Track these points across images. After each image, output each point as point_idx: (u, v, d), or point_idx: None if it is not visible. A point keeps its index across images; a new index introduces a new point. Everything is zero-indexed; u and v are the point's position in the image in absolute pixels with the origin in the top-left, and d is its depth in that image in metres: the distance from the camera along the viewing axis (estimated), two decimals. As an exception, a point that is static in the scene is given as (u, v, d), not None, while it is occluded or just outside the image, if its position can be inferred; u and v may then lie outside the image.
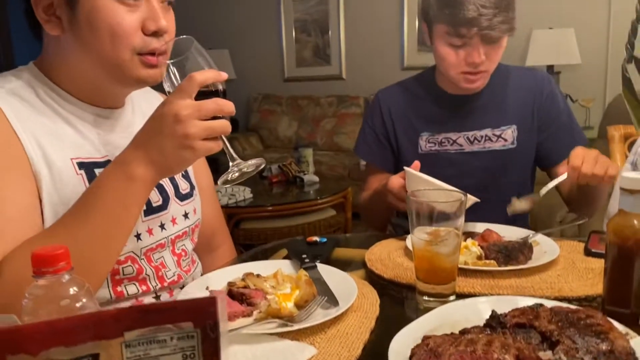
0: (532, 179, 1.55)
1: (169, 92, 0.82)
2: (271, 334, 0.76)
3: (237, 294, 0.86)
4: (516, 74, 1.50)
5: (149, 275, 0.96)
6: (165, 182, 1.02)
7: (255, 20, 5.19)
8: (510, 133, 1.44)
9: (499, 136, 1.44)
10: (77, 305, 0.51)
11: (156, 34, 0.85)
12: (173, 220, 1.02)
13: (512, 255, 1.01)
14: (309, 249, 1.11)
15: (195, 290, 0.91)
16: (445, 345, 0.65)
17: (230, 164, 0.85)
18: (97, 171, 0.90)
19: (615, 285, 0.79)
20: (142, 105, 1.06)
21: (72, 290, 0.51)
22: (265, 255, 1.10)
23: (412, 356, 0.67)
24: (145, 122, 0.80)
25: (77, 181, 0.87)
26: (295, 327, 0.77)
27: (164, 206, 1.00)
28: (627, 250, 0.76)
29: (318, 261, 1.00)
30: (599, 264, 0.97)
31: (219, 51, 4.91)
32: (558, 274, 0.98)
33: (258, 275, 0.92)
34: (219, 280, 0.94)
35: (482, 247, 1.05)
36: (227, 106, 0.79)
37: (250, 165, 0.85)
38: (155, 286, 0.97)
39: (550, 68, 4.08)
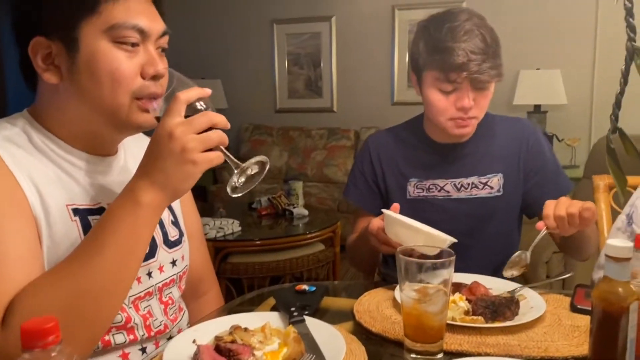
0: (519, 226, 1.57)
1: None
2: (258, 395, 0.76)
3: (225, 350, 0.84)
4: (502, 123, 1.52)
5: (137, 324, 0.94)
6: (155, 230, 1.01)
7: (249, 51, 5.24)
8: (496, 181, 1.45)
9: (485, 184, 1.45)
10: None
11: (154, 78, 0.87)
12: (160, 268, 1.01)
13: (499, 311, 1.00)
14: (298, 298, 1.10)
15: (182, 343, 0.90)
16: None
17: (235, 172, 0.84)
18: (91, 218, 0.90)
19: (601, 350, 0.79)
20: (133, 150, 1.06)
21: (60, 362, 0.50)
22: (252, 304, 1.09)
23: None
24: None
25: (72, 227, 0.87)
26: (282, 388, 0.76)
27: (151, 254, 0.99)
28: (611, 315, 0.76)
29: (307, 312, 0.99)
30: (584, 320, 0.97)
31: (211, 81, 4.93)
32: (544, 332, 0.97)
33: (246, 329, 0.90)
34: (206, 332, 0.92)
35: (469, 301, 1.05)
36: (219, 118, 0.80)
37: (253, 164, 0.84)
38: (142, 335, 0.95)
39: (537, 108, 4.15)
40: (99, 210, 0.91)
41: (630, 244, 0.78)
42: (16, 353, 0.65)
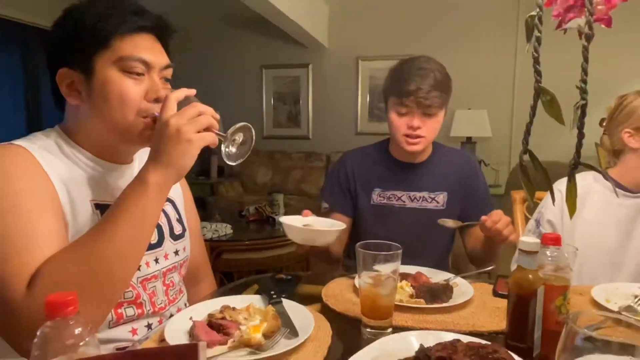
0: (454, 234, 1.58)
1: None
2: (242, 361, 0.74)
3: (216, 325, 0.83)
4: (449, 153, 1.56)
5: (144, 300, 0.93)
6: (163, 224, 1.01)
7: (243, 89, 5.23)
8: (442, 197, 1.47)
9: (433, 199, 1.47)
10: (81, 344, 0.48)
11: (156, 101, 0.86)
12: (165, 256, 1.00)
13: (437, 295, 1.02)
14: (277, 285, 1.09)
15: (180, 319, 0.88)
16: (383, 375, 0.65)
17: (222, 147, 0.84)
18: None
19: (515, 325, 0.80)
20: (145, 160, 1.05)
21: (77, 331, 0.49)
22: (240, 290, 1.08)
23: (356, 383, 0.67)
24: None
25: (94, 218, 0.87)
26: (262, 355, 0.75)
27: (159, 244, 0.98)
28: (523, 298, 0.78)
29: (284, 296, 0.99)
30: (504, 303, 0.98)
31: (211, 112, 4.91)
32: (472, 312, 0.98)
33: (234, 308, 0.90)
34: (201, 311, 0.91)
35: (413, 287, 1.05)
36: (205, 108, 0.81)
37: (236, 130, 0.85)
38: (148, 310, 0.93)
39: (468, 139, 4.24)
40: None
41: (538, 241, 0.80)
42: (37, 312, 0.63)
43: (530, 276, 0.77)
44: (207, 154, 4.90)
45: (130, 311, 0.90)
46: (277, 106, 5.21)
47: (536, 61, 0.64)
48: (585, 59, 0.59)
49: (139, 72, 0.85)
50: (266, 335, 0.81)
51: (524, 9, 4.24)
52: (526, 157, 0.71)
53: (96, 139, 0.90)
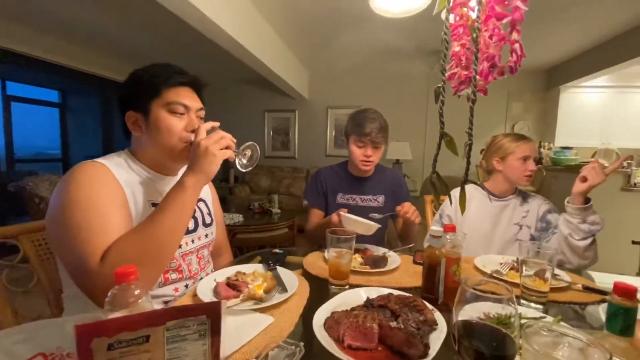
0: (387, 223, 1.56)
1: None
2: (249, 309, 0.73)
3: (231, 285, 0.81)
4: (385, 170, 1.55)
5: (184, 268, 0.89)
6: (198, 216, 0.97)
7: (252, 125, 5.17)
8: (381, 199, 1.48)
9: (375, 199, 1.48)
10: (139, 301, 0.46)
11: (193, 132, 0.84)
12: (199, 238, 0.96)
13: (378, 263, 1.02)
14: (273, 257, 1.07)
15: (207, 281, 0.85)
16: (343, 317, 0.65)
17: (237, 154, 0.83)
18: None
19: (427, 283, 0.81)
20: None
21: (137, 292, 0.47)
22: (248, 260, 1.05)
23: (325, 323, 0.66)
24: None
25: (150, 213, 0.83)
26: (263, 305, 0.74)
27: (195, 229, 0.95)
28: (432, 266, 0.80)
29: (278, 264, 0.97)
30: (419, 269, 1.00)
31: (230, 140, 4.83)
32: (400, 274, 0.99)
33: (244, 273, 0.88)
34: (221, 275, 0.89)
35: (362, 258, 1.06)
36: (225, 133, 0.79)
37: (246, 147, 0.84)
38: (186, 275, 0.90)
39: (397, 160, 4.29)
40: None
41: (442, 229, 0.82)
42: (108, 279, 0.59)
43: (437, 252, 0.79)
44: (226, 166, 4.80)
45: (174, 276, 0.87)
46: (275, 136, 5.17)
47: (441, 115, 0.66)
48: (471, 114, 0.62)
49: (180, 113, 0.83)
50: (266, 291, 0.80)
51: (432, 82, 4.38)
52: (434, 175, 0.72)
53: (152, 159, 0.87)
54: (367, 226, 1.09)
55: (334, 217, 1.17)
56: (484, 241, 1.33)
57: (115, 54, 3.98)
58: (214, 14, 2.16)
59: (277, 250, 1.14)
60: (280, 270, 0.93)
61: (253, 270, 0.90)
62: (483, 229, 1.34)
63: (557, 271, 0.99)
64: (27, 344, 0.46)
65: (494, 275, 0.96)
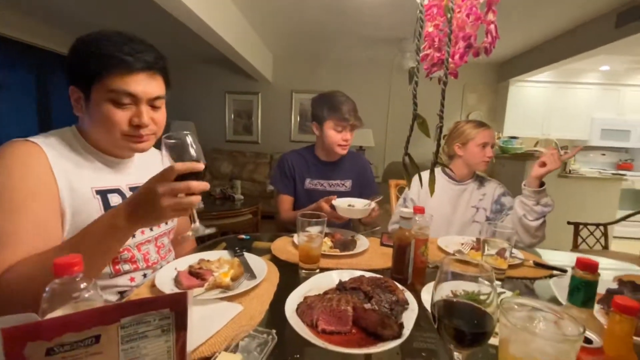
0: None
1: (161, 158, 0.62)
2: (215, 298, 0.68)
3: (195, 273, 0.76)
4: (351, 156, 1.54)
5: (138, 259, 0.81)
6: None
7: (212, 106, 4.89)
8: (349, 183, 1.47)
9: (343, 184, 1.47)
10: (87, 295, 0.39)
11: (138, 127, 0.73)
12: (158, 225, 0.88)
13: (347, 246, 1.02)
14: (239, 243, 1.03)
15: (167, 270, 0.79)
16: (316, 302, 0.63)
17: (192, 225, 0.66)
18: (109, 195, 0.75)
19: (397, 264, 0.82)
20: (143, 157, 0.89)
21: (82, 285, 0.40)
22: (212, 247, 1.00)
23: (297, 308, 0.64)
24: (140, 187, 0.61)
25: (94, 203, 0.73)
26: (230, 293, 0.70)
27: None
28: (403, 247, 0.80)
29: (245, 250, 0.93)
30: (388, 250, 1.02)
31: (188, 122, 4.52)
32: (369, 256, 0.99)
33: (208, 261, 0.83)
34: (183, 263, 0.83)
35: (332, 242, 1.05)
36: (197, 186, 0.60)
37: (198, 231, 0.66)
38: (142, 266, 0.82)
39: (360, 147, 4.35)
40: (114, 191, 0.77)
41: (412, 211, 0.82)
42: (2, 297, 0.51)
43: (407, 233, 0.80)
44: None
45: (126, 267, 0.79)
46: (236, 120, 4.95)
47: (414, 96, 0.65)
48: (443, 97, 0.61)
49: (126, 103, 0.71)
50: (233, 279, 0.75)
51: (396, 70, 4.45)
52: (406, 157, 0.71)
53: (97, 141, 0.76)
54: (362, 211, 1.10)
55: (324, 205, 1.13)
56: (444, 223, 1.38)
57: (56, 24, 3.47)
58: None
59: (243, 236, 1.09)
60: (248, 256, 0.89)
61: (218, 258, 0.85)
62: (444, 212, 1.38)
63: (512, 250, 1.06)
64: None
65: (456, 254, 1.00)
